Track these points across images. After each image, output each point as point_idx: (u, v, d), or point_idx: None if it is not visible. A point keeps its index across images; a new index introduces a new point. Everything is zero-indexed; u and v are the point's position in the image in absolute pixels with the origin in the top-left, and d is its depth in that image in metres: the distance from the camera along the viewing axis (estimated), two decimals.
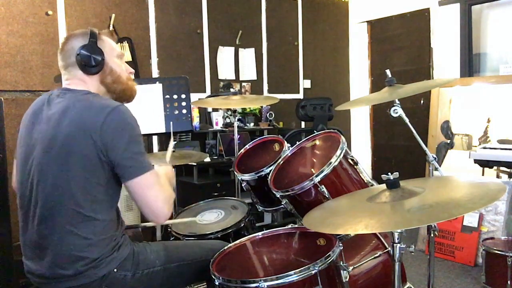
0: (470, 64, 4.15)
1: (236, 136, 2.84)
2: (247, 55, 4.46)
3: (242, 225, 2.01)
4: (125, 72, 1.58)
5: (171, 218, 2.17)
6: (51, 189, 1.36)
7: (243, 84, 4.45)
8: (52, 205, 1.36)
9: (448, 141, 3.89)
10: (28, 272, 1.46)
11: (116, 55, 1.55)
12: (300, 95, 4.92)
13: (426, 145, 2.85)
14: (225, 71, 4.31)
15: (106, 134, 1.34)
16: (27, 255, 1.46)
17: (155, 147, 3.82)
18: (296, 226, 1.76)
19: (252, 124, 4.35)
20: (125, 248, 1.46)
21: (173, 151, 2.50)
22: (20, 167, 1.46)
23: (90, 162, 1.35)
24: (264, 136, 2.29)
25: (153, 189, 1.39)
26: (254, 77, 4.53)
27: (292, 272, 1.30)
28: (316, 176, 1.62)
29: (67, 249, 1.36)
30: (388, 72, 1.92)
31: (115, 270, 1.41)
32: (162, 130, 2.74)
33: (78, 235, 1.36)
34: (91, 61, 1.45)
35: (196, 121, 3.93)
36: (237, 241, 1.68)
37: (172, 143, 2.00)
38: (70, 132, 1.35)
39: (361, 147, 5.30)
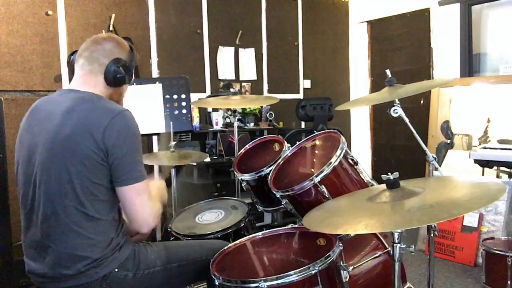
0: (470, 64, 4.15)
1: (236, 136, 2.84)
2: (247, 55, 4.46)
3: (242, 225, 2.01)
4: (124, 95, 1.63)
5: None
6: (54, 189, 1.37)
7: (243, 84, 4.45)
8: (55, 204, 1.37)
9: (448, 141, 3.89)
10: (29, 271, 1.46)
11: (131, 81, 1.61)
12: (300, 95, 4.92)
13: (426, 145, 2.85)
14: (225, 71, 4.31)
15: (108, 137, 1.36)
16: (29, 254, 1.46)
17: (155, 147, 3.82)
18: (296, 226, 1.76)
19: (252, 124, 4.35)
20: (126, 248, 1.46)
21: (173, 151, 2.50)
22: (23, 167, 1.46)
23: (92, 163, 1.36)
24: (264, 136, 2.29)
25: (143, 199, 1.42)
26: (254, 77, 4.53)
27: (292, 272, 1.30)
28: (316, 176, 1.62)
29: (69, 249, 1.37)
30: (388, 72, 1.92)
31: (116, 270, 1.42)
32: (162, 130, 2.74)
33: (81, 235, 1.37)
34: (121, 78, 1.50)
35: (196, 121, 3.93)
36: (237, 241, 1.68)
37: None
38: (74, 132, 1.36)
39: (361, 147, 5.30)
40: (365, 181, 1.76)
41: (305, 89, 4.96)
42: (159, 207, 1.52)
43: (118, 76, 1.48)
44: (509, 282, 2.46)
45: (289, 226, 1.76)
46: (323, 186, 1.62)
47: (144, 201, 1.42)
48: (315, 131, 2.53)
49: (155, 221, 1.47)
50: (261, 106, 4.45)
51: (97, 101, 1.44)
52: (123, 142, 1.38)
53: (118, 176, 1.39)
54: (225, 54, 4.30)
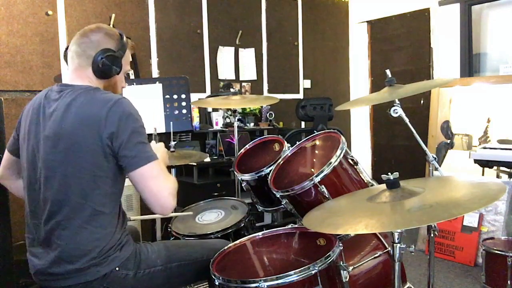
0: (470, 64, 4.15)
1: (236, 136, 2.84)
2: (247, 55, 4.46)
3: (242, 225, 2.02)
4: (121, 87, 1.62)
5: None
6: (59, 185, 1.37)
7: (243, 84, 4.45)
8: (61, 199, 1.37)
9: (448, 141, 3.89)
10: (32, 269, 1.46)
11: (125, 71, 1.59)
12: (300, 95, 4.92)
13: (426, 145, 2.85)
14: (225, 71, 4.31)
15: (110, 126, 1.35)
16: (33, 251, 1.47)
17: None
18: (296, 226, 1.76)
19: (252, 124, 4.35)
20: (128, 248, 1.46)
21: (173, 151, 2.50)
22: (27, 165, 1.47)
23: (96, 155, 1.36)
24: (264, 136, 2.29)
25: (159, 179, 1.37)
26: (254, 77, 4.53)
27: (292, 272, 1.30)
28: (316, 176, 1.62)
29: (75, 243, 1.37)
30: (388, 72, 1.92)
31: (117, 269, 1.42)
32: (162, 130, 2.74)
33: (86, 229, 1.37)
34: (108, 69, 1.47)
35: (196, 121, 3.93)
36: (237, 241, 1.68)
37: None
38: (75, 127, 1.36)
39: (361, 147, 5.30)
40: (365, 181, 1.76)
41: (305, 89, 4.96)
42: (175, 183, 1.45)
43: (105, 67, 1.46)
44: (509, 282, 2.46)
45: (289, 226, 1.76)
46: (323, 186, 1.62)
47: (160, 181, 1.37)
48: (315, 131, 2.53)
49: (175, 199, 1.41)
50: (261, 106, 4.45)
51: (93, 93, 1.43)
52: (125, 127, 1.37)
53: (127, 161, 1.36)
54: (225, 54, 4.30)
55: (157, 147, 1.61)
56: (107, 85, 1.54)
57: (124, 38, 1.54)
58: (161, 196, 1.37)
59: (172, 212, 1.83)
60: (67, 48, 1.56)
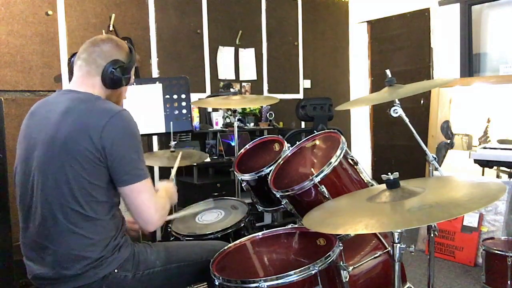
0: (470, 64, 4.15)
1: (236, 136, 2.84)
2: (247, 55, 4.46)
3: (242, 225, 2.01)
4: (123, 97, 1.62)
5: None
6: (51, 190, 1.36)
7: (243, 84, 4.45)
8: (52, 205, 1.36)
9: (448, 141, 3.89)
10: (29, 273, 1.46)
11: (131, 83, 1.59)
12: (300, 95, 4.92)
13: (426, 145, 2.85)
14: (225, 71, 4.31)
15: (106, 137, 1.35)
16: (28, 255, 1.46)
17: (155, 147, 3.82)
18: (296, 226, 1.76)
19: (252, 124, 4.35)
20: (126, 249, 1.46)
21: (173, 151, 2.50)
22: (21, 168, 1.46)
23: (89, 163, 1.35)
24: (264, 136, 2.29)
25: (147, 196, 1.40)
26: (254, 77, 4.52)
27: (292, 272, 1.30)
28: (316, 176, 1.62)
29: (68, 249, 1.37)
30: (388, 72, 1.92)
31: (115, 270, 1.41)
32: (162, 130, 2.74)
33: (80, 235, 1.37)
34: (118, 80, 1.48)
35: (196, 121, 3.93)
36: (237, 241, 1.68)
37: (177, 162, 2.00)
38: (71, 133, 1.35)
39: (361, 147, 5.29)
40: (365, 181, 1.76)
41: (305, 89, 4.96)
42: (165, 204, 1.51)
43: (115, 78, 1.47)
44: (509, 282, 2.46)
45: (289, 226, 1.76)
46: (323, 186, 1.62)
47: (147, 200, 1.40)
48: (315, 131, 2.53)
49: (162, 219, 1.46)
50: (261, 106, 4.45)
51: (95, 101, 1.43)
52: (121, 142, 1.37)
53: (119, 177, 1.38)
54: (225, 54, 4.30)
55: (164, 187, 1.63)
56: (111, 95, 1.53)
57: (133, 52, 1.55)
58: (147, 213, 1.41)
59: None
60: (71, 57, 1.55)
